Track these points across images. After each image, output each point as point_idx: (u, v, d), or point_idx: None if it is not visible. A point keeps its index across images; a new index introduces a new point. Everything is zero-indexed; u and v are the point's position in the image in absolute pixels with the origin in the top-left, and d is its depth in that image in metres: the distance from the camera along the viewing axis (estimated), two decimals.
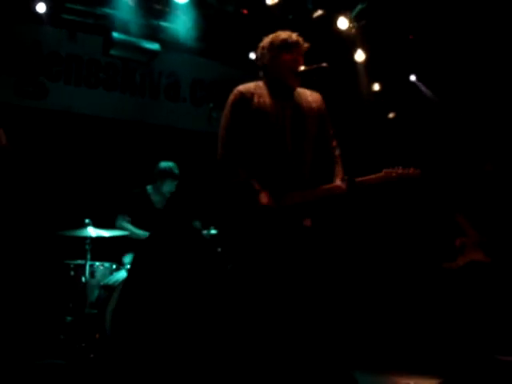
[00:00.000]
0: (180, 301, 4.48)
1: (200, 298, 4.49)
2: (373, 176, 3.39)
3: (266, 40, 3.46)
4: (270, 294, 3.31)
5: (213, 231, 5.42)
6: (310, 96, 3.52)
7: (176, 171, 5.61)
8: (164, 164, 5.63)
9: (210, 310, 4.37)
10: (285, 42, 3.38)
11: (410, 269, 6.58)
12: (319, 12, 6.13)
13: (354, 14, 6.13)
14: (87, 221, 5.15)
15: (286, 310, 3.33)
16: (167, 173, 5.59)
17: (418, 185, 3.56)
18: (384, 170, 3.40)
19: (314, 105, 3.50)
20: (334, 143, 3.54)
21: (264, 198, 3.26)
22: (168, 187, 5.62)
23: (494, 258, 5.06)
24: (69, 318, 5.04)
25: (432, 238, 6.14)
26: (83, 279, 5.11)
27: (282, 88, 3.44)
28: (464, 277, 5.10)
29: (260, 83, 3.49)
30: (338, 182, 3.37)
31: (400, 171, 3.38)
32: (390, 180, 3.37)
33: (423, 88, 6.90)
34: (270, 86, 3.46)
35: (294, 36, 3.41)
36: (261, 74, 3.52)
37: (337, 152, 3.54)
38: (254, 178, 3.33)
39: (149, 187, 5.68)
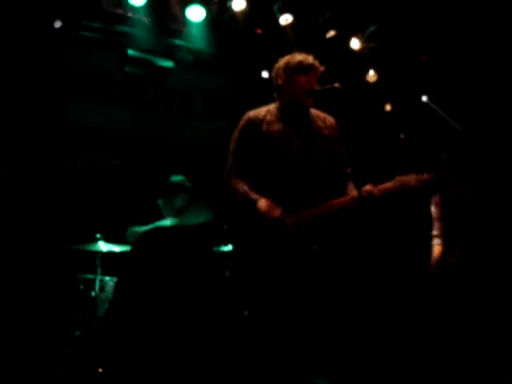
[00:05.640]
0: (173, 302, 4.45)
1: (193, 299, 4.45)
2: (388, 183, 3.33)
3: (282, 61, 3.43)
4: (274, 312, 3.31)
5: (226, 248, 5.44)
6: (323, 121, 3.49)
7: (188, 184, 5.62)
8: (175, 178, 5.63)
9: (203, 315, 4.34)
10: (300, 64, 3.34)
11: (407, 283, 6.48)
12: (332, 33, 6.18)
13: (366, 35, 6.17)
14: (98, 235, 5.18)
15: (290, 329, 3.32)
16: (179, 186, 5.59)
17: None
18: (397, 177, 3.34)
19: (326, 131, 3.46)
20: (346, 164, 3.53)
21: (262, 204, 3.21)
22: (180, 201, 5.60)
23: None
24: (78, 333, 5.06)
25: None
26: (93, 293, 5.13)
27: (295, 109, 3.42)
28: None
29: (272, 107, 3.46)
30: (348, 195, 3.36)
31: (414, 177, 3.33)
32: (407, 187, 3.33)
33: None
34: (282, 109, 3.43)
35: (310, 58, 3.38)
36: (275, 94, 3.49)
37: (348, 171, 3.54)
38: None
39: (160, 201, 5.70)
